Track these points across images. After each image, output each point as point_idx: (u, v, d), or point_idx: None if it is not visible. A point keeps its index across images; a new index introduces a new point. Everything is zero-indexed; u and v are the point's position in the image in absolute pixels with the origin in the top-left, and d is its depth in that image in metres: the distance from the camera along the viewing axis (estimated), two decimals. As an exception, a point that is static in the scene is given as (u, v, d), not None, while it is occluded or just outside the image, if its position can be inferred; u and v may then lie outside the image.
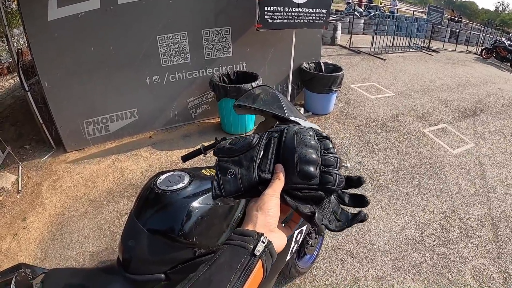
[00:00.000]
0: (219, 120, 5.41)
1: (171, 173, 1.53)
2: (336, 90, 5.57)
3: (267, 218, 0.67)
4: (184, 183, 1.47)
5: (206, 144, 1.87)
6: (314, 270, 2.96)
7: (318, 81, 5.51)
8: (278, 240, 0.68)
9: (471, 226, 3.51)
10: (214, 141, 1.78)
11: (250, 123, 5.17)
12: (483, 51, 12.08)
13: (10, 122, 5.58)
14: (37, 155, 4.59)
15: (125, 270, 1.41)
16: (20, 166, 4.22)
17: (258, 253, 0.60)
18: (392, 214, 3.63)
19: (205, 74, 5.18)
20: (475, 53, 12.55)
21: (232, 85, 4.71)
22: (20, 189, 3.88)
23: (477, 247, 3.27)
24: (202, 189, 1.49)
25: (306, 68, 5.79)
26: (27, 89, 4.27)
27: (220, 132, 5.27)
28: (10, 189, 3.87)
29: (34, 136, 4.98)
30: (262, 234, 0.63)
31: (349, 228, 3.23)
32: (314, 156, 0.72)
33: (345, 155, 4.66)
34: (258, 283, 0.62)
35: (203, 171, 1.57)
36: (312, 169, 0.71)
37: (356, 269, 2.99)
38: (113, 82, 4.54)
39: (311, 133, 0.77)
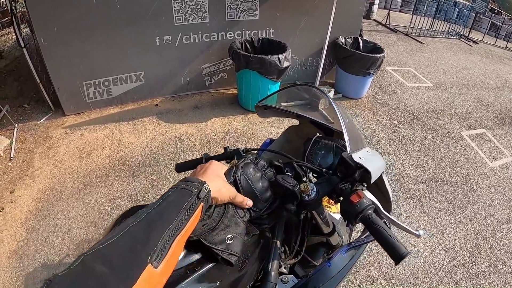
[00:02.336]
0: (237, 92, 4.90)
1: None
2: (373, 74, 4.98)
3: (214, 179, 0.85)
4: None
5: (211, 154, 1.43)
6: None
7: (355, 61, 4.92)
8: (222, 188, 0.85)
9: (501, 259, 3.13)
10: (223, 152, 1.38)
11: (272, 100, 4.53)
12: (525, 50, 11.28)
13: (14, 77, 5.33)
14: (34, 117, 4.33)
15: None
16: (15, 129, 4.01)
17: (202, 197, 0.73)
18: (421, 234, 3.13)
19: (224, 38, 4.61)
20: (515, 51, 11.74)
21: (256, 55, 4.07)
22: (12, 155, 3.69)
23: (504, 285, 2.93)
24: (189, 261, 1.01)
25: (342, 43, 5.16)
26: (23, 45, 3.90)
27: (236, 106, 4.78)
28: (2, 154, 3.71)
29: (34, 94, 4.70)
30: (205, 182, 0.77)
31: (373, 248, 2.79)
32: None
33: (375, 152, 4.13)
34: (197, 222, 0.73)
35: None
36: (268, 194, 1.02)
37: (374, 299, 2.62)
38: (117, 40, 4.06)
39: (252, 168, 1.02)
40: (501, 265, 3.08)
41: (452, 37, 10.58)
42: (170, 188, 0.73)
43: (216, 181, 0.84)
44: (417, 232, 0.95)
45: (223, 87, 5.11)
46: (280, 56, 4.07)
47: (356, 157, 1.04)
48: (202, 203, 0.72)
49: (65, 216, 3.04)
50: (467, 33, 11.22)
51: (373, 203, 0.99)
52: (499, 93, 6.71)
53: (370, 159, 1.07)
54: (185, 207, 0.68)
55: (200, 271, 0.89)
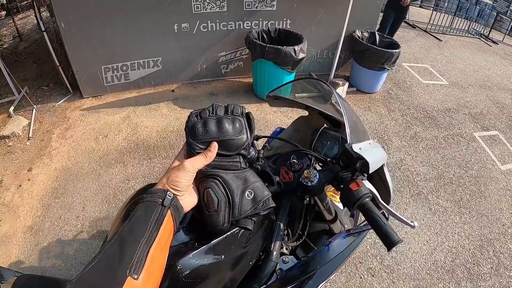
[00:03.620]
0: (252, 81, 4.91)
1: None
2: (388, 69, 4.96)
3: (174, 185, 0.80)
4: None
5: None
6: (329, 283, 2.65)
7: (370, 55, 4.90)
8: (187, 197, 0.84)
9: (503, 263, 3.14)
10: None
11: (286, 91, 4.55)
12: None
13: (33, 59, 5.38)
14: (53, 98, 4.41)
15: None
16: (34, 110, 4.08)
17: (166, 204, 0.74)
18: (426, 231, 3.25)
19: (241, 28, 4.61)
20: (536, 54, 11.55)
21: (272, 45, 4.11)
22: (30, 135, 3.78)
23: (504, 289, 2.95)
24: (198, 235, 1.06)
25: (358, 37, 5.14)
26: (43, 29, 3.95)
27: (251, 95, 4.81)
28: (21, 134, 3.79)
29: (53, 77, 4.76)
30: (167, 190, 0.77)
31: (376, 241, 2.85)
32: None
33: (386, 147, 4.22)
34: (171, 231, 0.75)
35: None
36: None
37: (374, 291, 2.66)
38: (136, 26, 4.10)
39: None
40: (503, 269, 3.09)
41: (471, 36, 10.41)
42: (136, 204, 0.75)
43: (175, 174, 0.81)
44: (412, 223, 0.99)
45: (238, 75, 5.13)
46: (296, 47, 4.08)
47: (356, 148, 1.11)
48: (169, 210, 0.74)
49: (80, 194, 3.13)
50: (487, 32, 11.02)
51: (371, 192, 1.05)
52: (515, 88, 6.66)
53: (370, 151, 1.14)
54: (153, 218, 0.70)
55: (208, 244, 0.94)
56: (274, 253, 1.16)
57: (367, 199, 1.02)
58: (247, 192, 0.91)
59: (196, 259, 0.95)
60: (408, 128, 4.71)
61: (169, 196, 0.75)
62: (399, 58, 5.07)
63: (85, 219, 2.94)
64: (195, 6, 4.21)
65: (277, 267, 1.24)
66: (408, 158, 4.12)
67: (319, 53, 5.28)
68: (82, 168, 3.42)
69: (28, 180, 3.26)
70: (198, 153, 0.84)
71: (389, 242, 0.93)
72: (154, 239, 0.67)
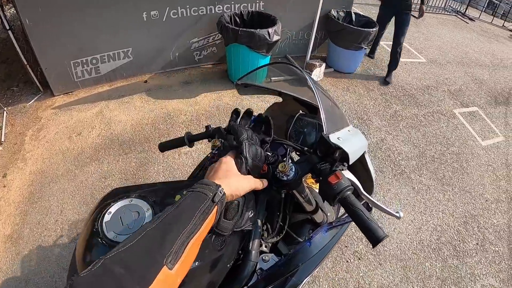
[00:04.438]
0: (226, 66, 4.83)
1: (127, 201, 1.08)
2: (365, 48, 4.93)
3: (233, 192, 0.85)
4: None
5: (193, 133, 1.42)
6: (316, 270, 2.54)
7: (346, 35, 4.85)
8: (239, 185, 0.88)
9: (488, 238, 3.19)
10: (204, 131, 1.37)
11: (261, 75, 4.47)
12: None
13: (1, 60, 5.13)
14: (23, 99, 4.22)
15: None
16: (5, 112, 3.91)
17: (216, 200, 0.75)
18: (410, 211, 3.25)
19: (213, 12, 4.48)
20: (511, 30, 11.67)
21: (245, 29, 4.00)
22: (3, 139, 3.62)
23: (490, 264, 3.00)
24: None
25: (334, 17, 5.07)
26: (7, 27, 3.77)
27: (226, 81, 4.71)
28: None
29: (22, 76, 4.55)
30: (220, 186, 0.79)
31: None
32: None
33: (366, 128, 4.19)
34: (212, 224, 0.76)
35: (178, 196, 1.13)
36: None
37: (361, 274, 2.67)
38: (103, 17, 3.93)
39: (255, 148, 1.01)
40: (488, 244, 3.13)
41: (448, 13, 10.50)
42: (187, 191, 0.76)
43: (231, 180, 0.87)
44: (397, 214, 0.97)
45: (212, 61, 5.02)
46: (270, 29, 3.99)
47: (334, 138, 1.05)
48: (216, 206, 0.74)
49: (57, 197, 3.03)
50: (464, 9, 11.13)
51: (352, 184, 0.99)
52: (493, 72, 6.70)
53: (349, 140, 1.08)
54: (200, 210, 0.70)
55: None
56: (253, 252, 1.09)
57: (348, 192, 0.96)
58: (250, 212, 1.01)
59: None
60: (387, 107, 4.70)
61: (221, 192, 0.77)
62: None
63: (64, 223, 2.84)
64: (164, -9, 4.07)
65: (257, 266, 1.20)
66: (389, 137, 4.11)
67: (294, 34, 5.20)
68: (57, 169, 3.31)
69: (4, 186, 3.13)
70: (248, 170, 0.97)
71: (374, 238, 0.86)
72: (197, 232, 0.68)
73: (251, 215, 1.01)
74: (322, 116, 1.10)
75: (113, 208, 1.06)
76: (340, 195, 0.94)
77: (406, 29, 5.06)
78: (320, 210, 1.44)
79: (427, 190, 3.49)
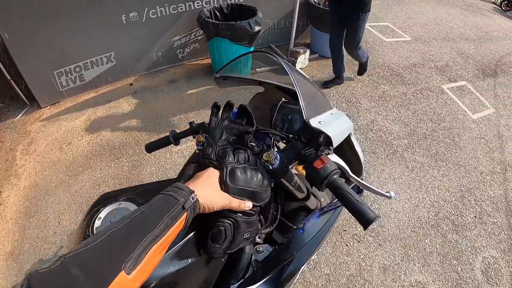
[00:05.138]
0: (210, 61, 4.82)
1: (116, 204, 1.09)
2: (348, 31, 4.87)
3: (206, 204, 0.81)
4: None
5: (177, 131, 1.41)
6: (316, 256, 2.64)
7: (328, 19, 4.76)
8: (213, 198, 0.83)
9: (485, 210, 3.21)
10: (188, 128, 1.35)
11: (247, 68, 4.49)
12: (503, 3, 11.21)
13: None
14: (10, 114, 4.20)
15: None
16: None
17: (186, 207, 0.72)
18: (406, 189, 3.26)
19: (192, 8, 4.45)
20: (494, 3, 11.65)
21: (225, 22, 3.99)
22: None
23: (490, 236, 3.02)
24: None
25: (314, 2, 5.06)
26: None
27: (211, 76, 4.66)
28: None
29: (8, 91, 4.49)
30: (193, 192, 0.76)
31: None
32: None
33: (355, 111, 4.19)
34: (179, 231, 0.72)
35: None
36: (266, 182, 0.98)
37: (362, 257, 2.69)
38: (82, 24, 3.89)
39: (240, 172, 0.93)
40: (486, 216, 3.15)
41: (430, -11, 10.50)
42: (158, 193, 0.74)
43: (207, 189, 0.83)
44: (388, 194, 0.94)
45: (196, 58, 4.99)
46: (250, 20, 3.97)
47: (315, 122, 1.03)
48: (186, 213, 0.72)
49: (53, 209, 3.04)
50: (445, -15, 11.14)
51: (339, 167, 0.98)
52: (479, 45, 6.70)
53: (332, 123, 1.07)
54: (168, 215, 0.68)
55: (169, 251, 0.90)
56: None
57: (335, 176, 0.94)
58: (245, 234, 0.98)
59: (160, 268, 0.91)
60: (375, 88, 4.70)
61: (193, 199, 0.75)
62: (359, 19, 5.04)
63: (62, 234, 2.85)
64: (141, -8, 4.04)
65: (252, 258, 1.20)
66: (379, 118, 4.11)
67: (276, 23, 5.17)
68: (51, 181, 3.30)
69: (0, 204, 3.13)
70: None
71: (364, 220, 0.85)
72: (161, 237, 0.66)
73: (247, 236, 0.99)
74: (300, 100, 1.08)
75: (103, 214, 1.08)
76: (327, 179, 0.93)
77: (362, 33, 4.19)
78: (312, 196, 1.43)
79: (421, 167, 3.50)
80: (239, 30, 3.93)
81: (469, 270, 2.72)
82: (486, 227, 3.05)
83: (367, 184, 1.00)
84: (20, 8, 3.44)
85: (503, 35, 7.65)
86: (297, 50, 4.82)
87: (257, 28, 4.05)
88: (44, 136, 3.78)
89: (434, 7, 8.63)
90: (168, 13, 4.32)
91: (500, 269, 2.78)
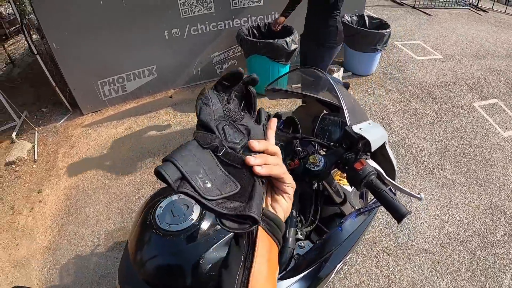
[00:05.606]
0: (248, 77, 4.91)
1: (176, 196, 1.21)
2: (381, 50, 5.00)
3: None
4: (192, 218, 1.13)
5: None
6: (347, 267, 2.73)
7: (361, 38, 4.96)
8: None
9: (515, 228, 3.20)
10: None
11: (283, 83, 4.59)
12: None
13: (29, 83, 5.46)
14: (53, 119, 4.49)
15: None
16: (36, 133, 4.16)
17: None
18: (436, 205, 3.31)
19: (231, 26, 4.67)
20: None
21: (263, 40, 4.15)
22: (36, 158, 3.86)
23: (519, 253, 3.01)
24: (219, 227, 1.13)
25: (348, 22, 5.20)
26: (35, 52, 4.00)
27: (248, 93, 4.79)
28: (26, 158, 3.85)
29: (51, 98, 4.82)
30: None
31: (388, 220, 2.90)
32: None
33: (387, 127, 4.25)
34: (271, 248, 0.62)
35: None
36: None
37: (391, 269, 2.75)
38: (127, 38, 4.17)
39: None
40: (516, 234, 3.15)
41: (460, 7, 10.38)
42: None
43: None
44: (418, 195, 1.07)
45: (233, 74, 5.15)
46: (287, 39, 4.13)
47: (356, 128, 1.18)
48: (259, 226, 0.62)
49: (92, 209, 3.21)
50: (476, 1, 11.06)
51: (375, 170, 1.11)
52: (511, 62, 6.61)
53: (370, 130, 1.20)
54: (245, 244, 0.63)
55: (225, 238, 1.01)
56: (290, 239, 1.22)
57: (373, 177, 1.08)
58: None
59: (216, 252, 1.02)
60: (407, 105, 4.74)
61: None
62: (391, 38, 5.11)
63: (100, 233, 3.01)
64: (183, 10, 4.25)
65: (294, 252, 1.30)
66: (411, 135, 4.16)
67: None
68: (91, 183, 3.49)
69: (40, 201, 3.33)
70: None
71: (398, 215, 0.99)
72: (251, 267, 0.59)
73: None
74: (345, 109, 1.25)
75: (164, 203, 1.19)
76: (366, 179, 1.07)
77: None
78: (348, 203, 1.58)
79: (452, 184, 3.53)
80: (276, 48, 4.09)
81: (497, 287, 2.73)
82: (516, 245, 3.05)
83: (400, 186, 1.13)
84: (69, 20, 3.70)
85: (536, 52, 7.56)
86: (331, 68, 4.94)
87: (293, 46, 4.20)
88: (86, 141, 4.01)
89: (464, 24, 8.56)
90: (208, 30, 4.54)
91: (528, 287, 2.79)
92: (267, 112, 0.74)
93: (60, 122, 4.38)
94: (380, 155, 1.40)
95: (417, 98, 4.95)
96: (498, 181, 3.64)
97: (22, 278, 2.70)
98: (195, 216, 1.15)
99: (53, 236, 3.01)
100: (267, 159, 0.60)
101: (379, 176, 1.13)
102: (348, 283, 2.61)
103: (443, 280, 2.71)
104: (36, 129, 4.18)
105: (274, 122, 0.71)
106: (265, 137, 0.69)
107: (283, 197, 0.67)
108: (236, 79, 0.68)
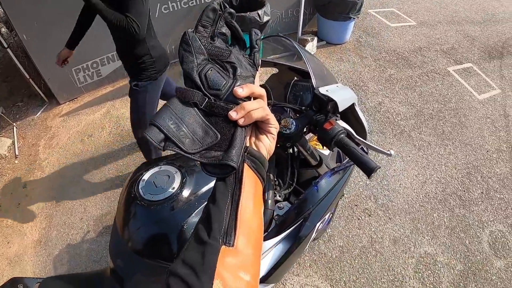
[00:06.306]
0: (222, 52, 4.90)
1: (157, 168, 1.26)
2: (354, 18, 5.03)
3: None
4: (173, 187, 1.19)
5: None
6: (330, 229, 2.83)
7: (334, 7, 4.94)
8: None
9: (492, 186, 3.36)
10: None
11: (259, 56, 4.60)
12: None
13: (1, 78, 5.26)
14: (30, 112, 4.42)
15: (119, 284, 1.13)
16: (14, 128, 4.10)
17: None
18: (414, 166, 3.43)
19: (203, 2, 4.64)
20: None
21: (235, 14, 4.06)
22: (17, 153, 3.82)
23: (497, 211, 3.17)
24: (200, 191, 1.20)
25: (320, -10, 5.17)
26: (5, 45, 3.89)
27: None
28: (7, 155, 3.81)
29: (25, 90, 4.71)
30: None
31: (368, 182, 3.00)
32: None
33: (363, 93, 4.33)
34: (256, 185, 0.65)
35: None
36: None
37: (373, 230, 2.87)
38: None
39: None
40: (493, 192, 3.29)
41: (434, -26, 10.50)
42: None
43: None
44: (388, 152, 1.12)
45: (208, 49, 5.12)
46: (259, 11, 4.11)
47: (323, 90, 1.23)
48: (245, 163, 0.65)
49: (79, 197, 3.23)
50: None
51: (345, 129, 1.17)
52: (485, 27, 6.73)
53: (337, 92, 1.26)
54: (231, 181, 0.63)
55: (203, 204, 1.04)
56: (269, 201, 1.26)
57: (342, 135, 1.14)
58: None
59: (198, 216, 1.06)
60: (382, 72, 4.81)
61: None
62: (364, 6, 5.14)
63: (89, 219, 3.04)
64: (154, -11, 4.17)
65: (274, 214, 1.36)
66: (386, 100, 4.25)
67: (283, 13, 5.30)
68: (75, 171, 3.49)
69: (26, 196, 3.32)
70: None
71: (368, 169, 1.05)
72: (238, 201, 0.62)
73: None
74: (311, 72, 1.30)
75: (146, 176, 1.23)
76: (335, 138, 1.13)
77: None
78: (324, 165, 1.64)
79: (428, 146, 3.65)
80: (248, 21, 4.06)
81: (476, 243, 2.88)
82: (493, 203, 3.19)
83: (371, 144, 1.19)
84: (37, 10, 3.61)
85: (510, 17, 7.68)
86: (305, 38, 4.97)
87: (266, 18, 4.18)
88: (65, 130, 3.97)
89: (439, -9, 8.68)
90: (180, 7, 4.48)
91: (507, 242, 2.93)
92: (258, 34, 0.75)
93: (37, 114, 4.31)
94: (352, 117, 1.46)
95: (392, 64, 5.03)
96: (473, 142, 3.78)
97: (17, 275, 2.68)
98: (176, 184, 1.19)
99: (43, 228, 3.02)
100: (250, 106, 0.63)
101: (349, 135, 1.19)
102: (333, 245, 2.71)
103: (424, 237, 2.84)
104: (14, 124, 4.11)
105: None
106: (254, 70, 0.71)
107: (267, 136, 0.71)
108: (213, 17, 0.72)
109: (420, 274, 2.65)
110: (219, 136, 0.61)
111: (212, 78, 0.63)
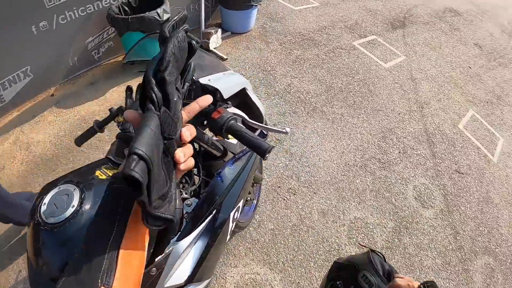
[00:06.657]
0: (127, 57, 4.82)
1: (56, 189, 1.23)
2: (256, 5, 5.13)
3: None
4: (73, 205, 1.18)
5: (99, 119, 1.64)
6: (258, 216, 2.88)
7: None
8: None
9: (408, 145, 3.62)
10: (109, 114, 1.60)
11: (154, 52, 4.56)
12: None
13: None
14: None
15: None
16: None
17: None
18: (330, 139, 3.58)
19: (101, 7, 4.44)
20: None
21: (134, 15, 4.09)
22: None
23: (416, 166, 3.42)
24: (100, 203, 1.19)
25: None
26: None
27: (129, 70, 4.77)
28: None
29: None
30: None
31: (287, 163, 3.10)
32: None
33: (272, 78, 4.43)
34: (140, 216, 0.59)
35: (97, 172, 1.33)
36: None
37: (300, 207, 2.97)
38: None
39: None
40: (410, 150, 3.55)
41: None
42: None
43: None
44: (284, 130, 1.18)
45: (112, 56, 4.98)
46: (158, 10, 4.10)
47: (204, 80, 1.27)
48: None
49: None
50: None
51: (236, 115, 1.21)
52: (387, 1, 7.11)
53: (221, 79, 1.31)
54: (120, 208, 0.63)
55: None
56: (177, 201, 1.30)
57: (232, 121, 1.17)
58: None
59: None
60: (288, 54, 4.93)
61: None
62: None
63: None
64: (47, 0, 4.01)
65: (184, 212, 1.40)
66: (295, 80, 4.36)
67: (185, 8, 5.28)
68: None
69: None
70: None
71: (261, 151, 1.09)
72: (124, 233, 0.60)
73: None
74: (191, 64, 1.35)
75: (46, 199, 1.20)
76: (225, 125, 1.16)
77: None
78: (230, 154, 1.69)
79: (341, 117, 3.82)
80: (148, 21, 4.03)
81: (402, 199, 3.09)
82: (411, 160, 3.44)
83: (266, 126, 1.25)
84: None
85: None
86: (209, 31, 4.99)
87: (166, 16, 4.17)
88: (-27, 169, 3.74)
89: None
90: (77, 16, 4.29)
91: (432, 193, 3.18)
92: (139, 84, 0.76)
93: None
94: (250, 102, 1.53)
95: (298, 45, 5.18)
96: (385, 107, 4.02)
97: None
98: (75, 202, 1.18)
99: None
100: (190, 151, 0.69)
101: (243, 121, 1.25)
102: (264, 230, 2.77)
103: (351, 204, 3.00)
104: None
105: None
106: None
107: None
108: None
109: (354, 239, 2.80)
110: (167, 185, 0.61)
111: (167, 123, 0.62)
